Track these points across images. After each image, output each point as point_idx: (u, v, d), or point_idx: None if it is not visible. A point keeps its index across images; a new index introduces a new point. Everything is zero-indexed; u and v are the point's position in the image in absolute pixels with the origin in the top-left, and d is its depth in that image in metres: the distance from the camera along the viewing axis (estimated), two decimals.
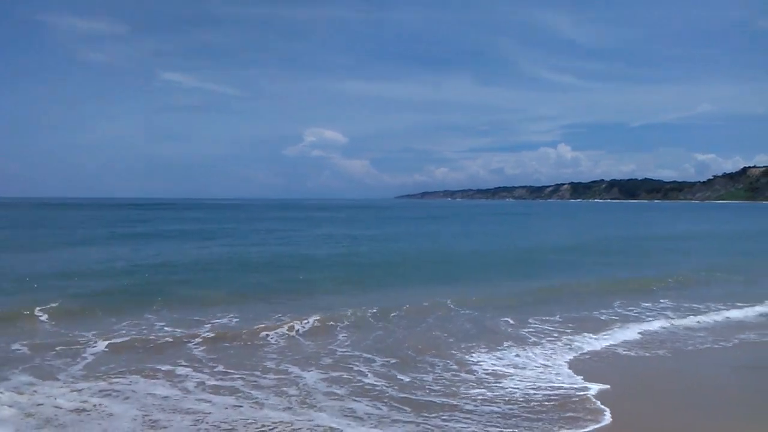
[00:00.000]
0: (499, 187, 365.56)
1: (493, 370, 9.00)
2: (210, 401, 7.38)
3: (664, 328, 12.13)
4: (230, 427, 6.60)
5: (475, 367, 9.10)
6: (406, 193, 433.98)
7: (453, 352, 9.97)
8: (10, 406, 6.95)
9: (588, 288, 17.01)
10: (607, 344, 10.70)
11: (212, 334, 10.74)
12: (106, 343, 9.96)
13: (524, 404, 7.52)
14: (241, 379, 8.26)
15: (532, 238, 40.58)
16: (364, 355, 9.71)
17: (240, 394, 7.68)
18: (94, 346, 9.74)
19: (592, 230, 49.43)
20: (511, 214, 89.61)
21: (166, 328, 11.14)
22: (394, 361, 9.36)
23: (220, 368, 8.79)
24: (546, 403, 7.58)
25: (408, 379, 8.45)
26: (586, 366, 9.29)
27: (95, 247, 28.05)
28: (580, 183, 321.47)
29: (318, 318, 11.96)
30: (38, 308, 12.20)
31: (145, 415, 6.86)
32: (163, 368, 8.66)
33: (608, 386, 8.19)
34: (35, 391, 7.49)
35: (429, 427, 6.75)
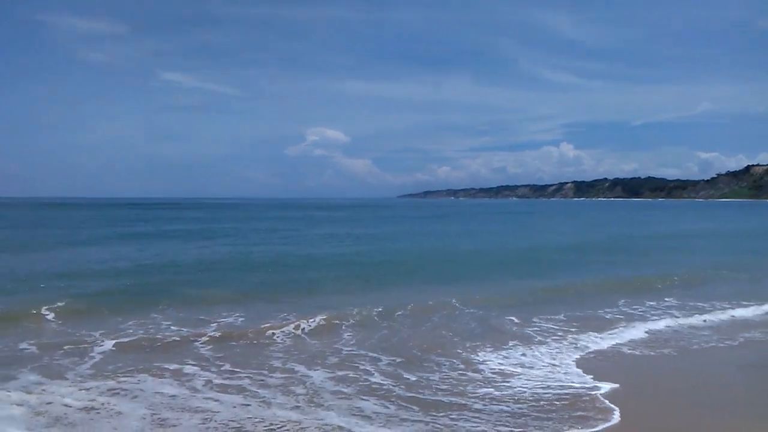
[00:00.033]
0: (502, 186, 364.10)
1: (500, 369, 9.01)
2: (218, 400, 7.41)
3: (669, 326, 12.12)
4: (239, 426, 6.62)
5: (481, 366, 9.11)
6: (408, 192, 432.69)
7: (459, 351, 9.98)
8: (19, 405, 6.98)
9: (592, 287, 16.99)
10: (613, 343, 10.70)
11: (219, 334, 10.77)
12: (114, 342, 10.01)
13: (533, 403, 7.52)
14: (248, 378, 8.29)
15: (536, 237, 40.53)
16: (370, 354, 9.73)
17: (247, 392, 7.71)
18: (102, 345, 9.78)
19: (596, 229, 49.33)
20: (515, 213, 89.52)
21: (172, 328, 11.17)
22: (400, 360, 9.38)
23: (227, 367, 8.82)
24: (556, 402, 7.58)
25: (414, 378, 8.46)
26: (593, 365, 9.29)
27: (97, 246, 28.11)
28: (583, 182, 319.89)
29: (323, 317, 11.97)
30: (45, 308, 12.25)
31: (154, 414, 6.89)
32: (170, 367, 8.70)
33: (617, 385, 8.19)
34: (44, 390, 7.53)
35: (438, 426, 6.75)
